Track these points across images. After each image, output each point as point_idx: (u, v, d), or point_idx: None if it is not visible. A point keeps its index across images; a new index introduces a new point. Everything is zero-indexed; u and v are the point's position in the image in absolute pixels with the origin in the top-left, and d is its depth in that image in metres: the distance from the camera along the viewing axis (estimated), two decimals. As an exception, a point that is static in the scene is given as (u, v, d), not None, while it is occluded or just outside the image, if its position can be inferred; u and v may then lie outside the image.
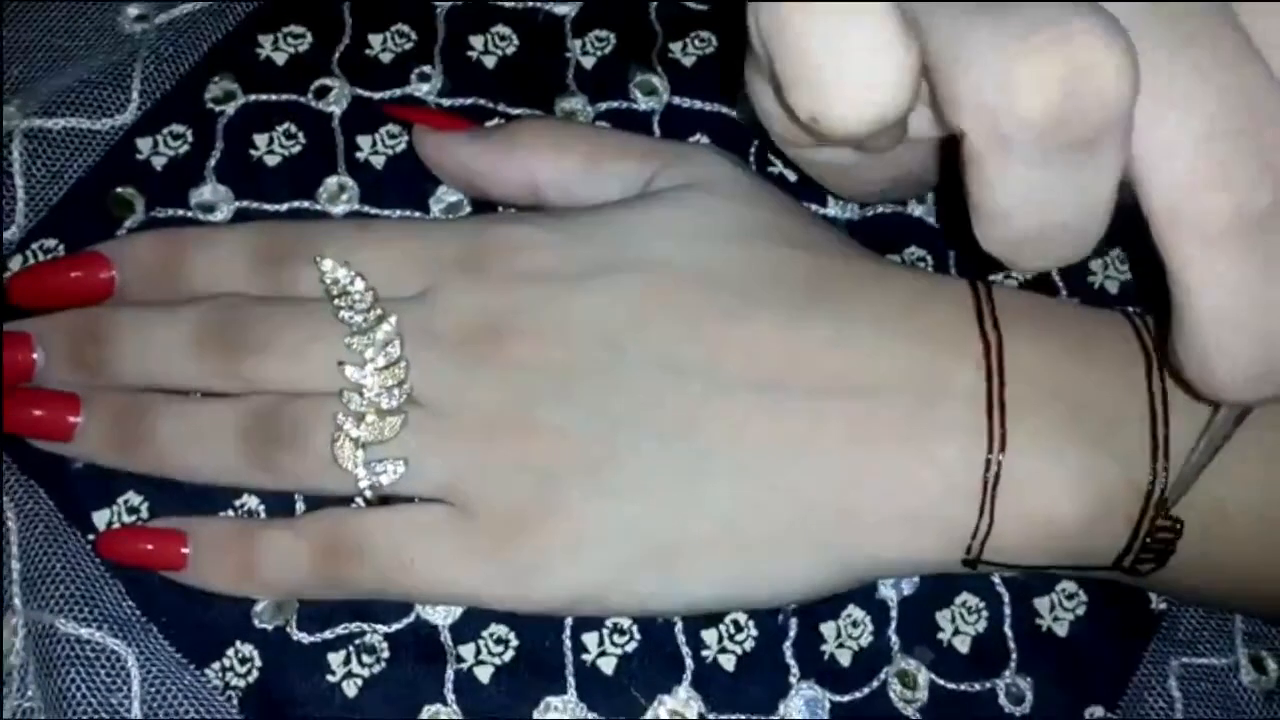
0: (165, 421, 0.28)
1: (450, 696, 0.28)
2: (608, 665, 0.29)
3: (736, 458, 0.27)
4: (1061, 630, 0.31)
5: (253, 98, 0.32)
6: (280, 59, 0.33)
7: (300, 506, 0.29)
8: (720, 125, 0.34)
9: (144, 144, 0.32)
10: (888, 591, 0.30)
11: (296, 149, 0.32)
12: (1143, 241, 0.21)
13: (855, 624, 0.30)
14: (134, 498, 0.29)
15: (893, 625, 0.30)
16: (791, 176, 0.33)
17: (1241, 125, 0.19)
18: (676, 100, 0.34)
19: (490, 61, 0.34)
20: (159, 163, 0.32)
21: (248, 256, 0.29)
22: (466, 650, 0.28)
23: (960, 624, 0.30)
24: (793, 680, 0.29)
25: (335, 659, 0.28)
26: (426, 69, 0.33)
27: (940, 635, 0.30)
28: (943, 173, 0.29)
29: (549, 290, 0.28)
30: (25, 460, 0.29)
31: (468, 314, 0.28)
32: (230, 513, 0.29)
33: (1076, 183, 0.20)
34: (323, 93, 0.33)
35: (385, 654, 0.28)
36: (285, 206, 0.32)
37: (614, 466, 0.27)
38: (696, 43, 0.35)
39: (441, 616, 0.29)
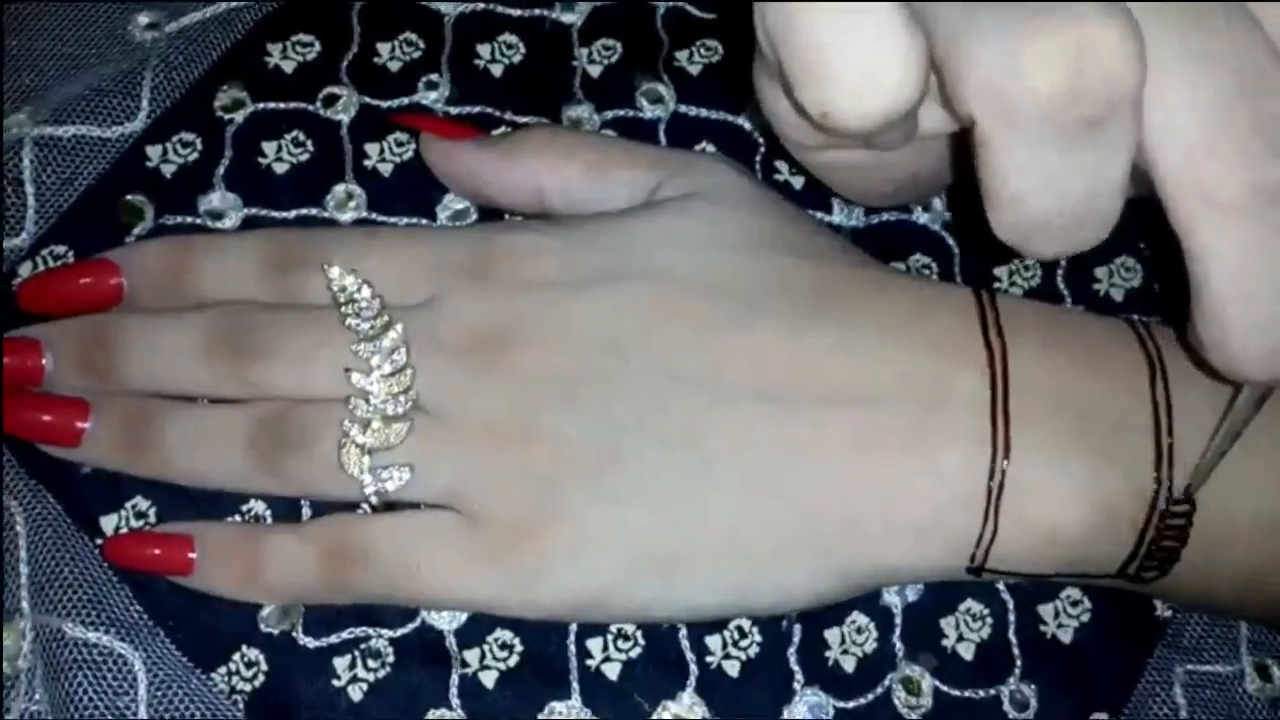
0: (172, 427, 0.28)
1: (455, 701, 0.28)
2: (612, 670, 0.29)
3: (740, 465, 0.27)
4: (1066, 637, 0.31)
5: (261, 106, 0.33)
6: (289, 67, 0.33)
7: (306, 512, 0.29)
8: (726, 133, 0.34)
9: (153, 151, 0.32)
10: (892, 598, 0.30)
11: (305, 157, 0.32)
12: (1158, 229, 0.21)
13: (859, 630, 0.30)
14: (142, 502, 0.29)
15: (897, 631, 0.30)
16: (797, 184, 0.33)
17: (1251, 99, 0.19)
18: (682, 108, 0.34)
19: (497, 70, 0.34)
20: (168, 170, 0.32)
21: (256, 263, 0.29)
22: (471, 655, 0.29)
23: (965, 630, 0.30)
24: (797, 686, 0.29)
25: (341, 663, 0.28)
26: (434, 77, 0.34)
27: (945, 642, 0.30)
28: (955, 171, 0.29)
29: (554, 298, 0.28)
30: (34, 465, 0.29)
31: (473, 321, 0.28)
32: (237, 518, 0.29)
33: (1088, 164, 0.20)
34: (331, 101, 0.33)
35: (390, 659, 0.28)
36: (293, 213, 0.32)
37: (617, 473, 0.27)
38: (702, 51, 0.35)
39: (447, 621, 0.29)
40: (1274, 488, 0.27)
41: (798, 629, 0.30)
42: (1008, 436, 0.27)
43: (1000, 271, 0.34)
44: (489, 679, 0.28)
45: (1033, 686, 0.30)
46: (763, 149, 0.34)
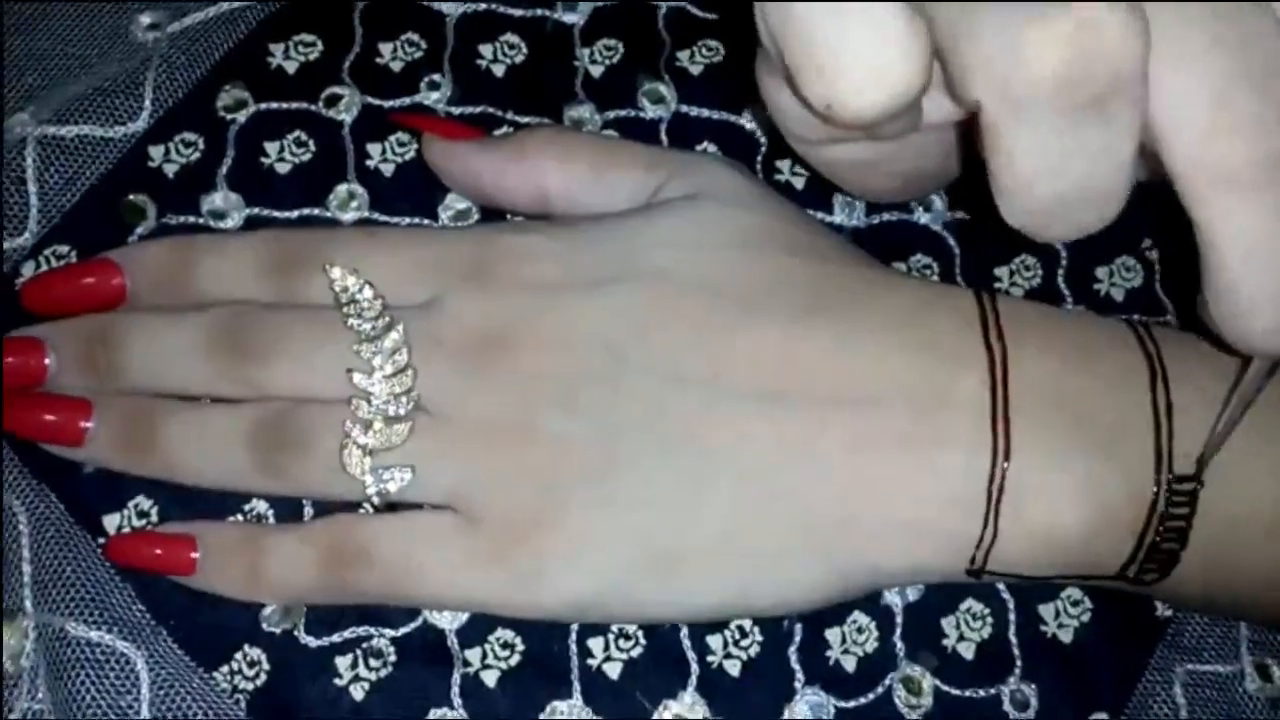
0: (175, 427, 0.28)
1: (457, 700, 0.28)
2: (613, 670, 0.29)
3: (738, 466, 0.27)
4: (1066, 637, 0.31)
5: (264, 106, 0.33)
6: (291, 67, 0.33)
7: (309, 512, 0.29)
8: (727, 133, 0.34)
9: (156, 151, 0.32)
10: (892, 598, 0.30)
11: (307, 157, 0.32)
12: (1164, 208, 0.21)
13: (860, 630, 0.30)
14: (144, 502, 0.29)
15: (898, 631, 0.30)
16: (798, 184, 0.33)
17: (1257, 74, 0.19)
18: (684, 109, 0.34)
19: (499, 70, 0.34)
20: (170, 170, 0.32)
21: (258, 263, 0.29)
22: (473, 654, 0.29)
23: (965, 630, 0.30)
24: (798, 686, 0.29)
25: (343, 663, 0.28)
26: (436, 77, 0.34)
27: (945, 641, 0.30)
28: (961, 162, 0.29)
29: (554, 299, 0.28)
30: (36, 464, 0.29)
31: (473, 322, 0.28)
32: (239, 517, 0.29)
33: (1095, 144, 0.20)
34: (333, 101, 0.33)
35: (392, 658, 0.29)
36: (295, 213, 0.32)
37: (616, 474, 0.27)
38: (704, 51, 0.35)
39: (448, 621, 0.29)
40: (1275, 491, 0.27)
41: (799, 629, 0.30)
42: (1008, 439, 0.27)
43: (1001, 271, 0.34)
44: (490, 678, 0.29)
45: (1033, 686, 0.30)
46: (764, 149, 0.34)
